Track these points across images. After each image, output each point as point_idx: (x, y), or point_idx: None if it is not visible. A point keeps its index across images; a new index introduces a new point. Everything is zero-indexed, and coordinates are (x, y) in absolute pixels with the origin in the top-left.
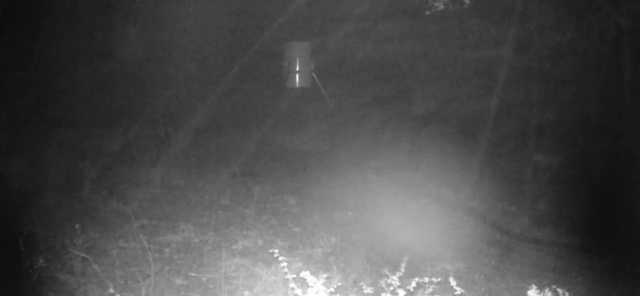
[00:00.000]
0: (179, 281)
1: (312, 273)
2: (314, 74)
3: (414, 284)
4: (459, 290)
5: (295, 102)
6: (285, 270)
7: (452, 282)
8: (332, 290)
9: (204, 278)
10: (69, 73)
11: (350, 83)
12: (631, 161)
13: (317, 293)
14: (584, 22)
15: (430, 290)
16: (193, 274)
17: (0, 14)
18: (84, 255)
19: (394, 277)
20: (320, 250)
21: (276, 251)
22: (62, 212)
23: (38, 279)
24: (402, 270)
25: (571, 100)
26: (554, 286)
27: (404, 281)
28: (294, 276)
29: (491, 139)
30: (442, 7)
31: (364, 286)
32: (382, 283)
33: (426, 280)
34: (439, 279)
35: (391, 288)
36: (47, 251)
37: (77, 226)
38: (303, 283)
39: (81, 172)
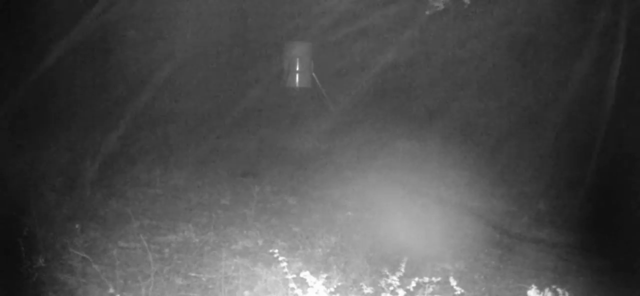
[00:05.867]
0: (179, 281)
1: (312, 273)
2: (314, 74)
3: (414, 284)
4: (459, 290)
5: (295, 102)
6: (285, 270)
7: (452, 282)
8: (332, 290)
9: (204, 278)
10: (68, 73)
11: (350, 83)
12: (631, 161)
13: (317, 293)
14: (584, 23)
15: (430, 290)
16: (193, 274)
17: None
18: (84, 255)
19: (394, 277)
20: (320, 250)
21: (276, 251)
22: (62, 212)
23: (38, 279)
24: (402, 270)
25: (571, 100)
26: (554, 286)
27: (404, 281)
28: (294, 276)
29: (491, 139)
30: (442, 7)
31: (364, 286)
32: (382, 283)
33: (426, 280)
34: (439, 279)
35: (391, 288)
36: (47, 251)
37: (77, 226)
38: (303, 283)
39: (81, 172)
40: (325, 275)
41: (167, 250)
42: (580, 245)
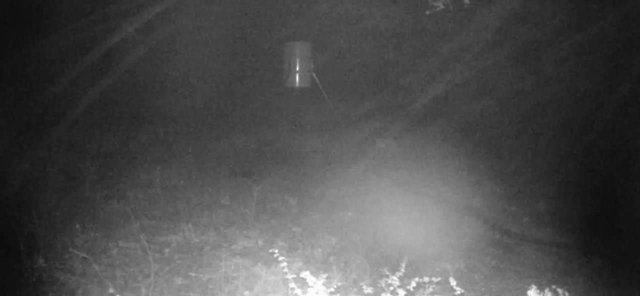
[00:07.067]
0: (179, 281)
1: (312, 273)
2: (314, 74)
3: (414, 284)
4: (459, 290)
5: (295, 102)
6: (285, 270)
7: (452, 282)
8: (332, 290)
9: (204, 278)
10: (68, 73)
11: (350, 83)
12: (631, 161)
13: (317, 293)
14: (585, 23)
15: (430, 290)
16: (193, 274)
17: None
18: (84, 255)
19: (394, 277)
20: (320, 250)
21: (276, 251)
22: (62, 212)
23: (38, 279)
24: (402, 270)
25: (571, 100)
26: (554, 286)
27: (404, 281)
28: (294, 276)
29: (491, 139)
30: (442, 7)
31: (364, 286)
32: (382, 283)
33: (426, 280)
34: (439, 279)
35: (391, 288)
36: (47, 251)
37: (77, 226)
38: (303, 283)
39: (81, 172)
40: (325, 275)
41: (167, 250)
42: (580, 245)
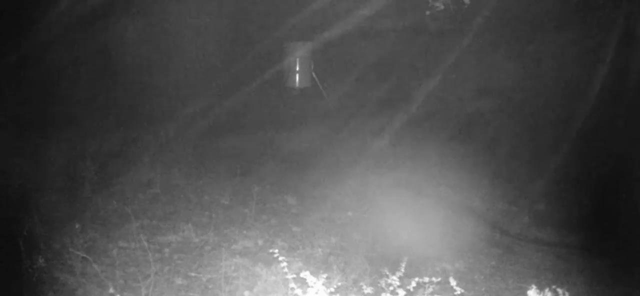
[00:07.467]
0: (179, 281)
1: (312, 273)
2: (314, 74)
3: (414, 284)
4: (459, 290)
5: (295, 102)
6: (285, 270)
7: (452, 282)
8: (332, 290)
9: (204, 278)
10: (68, 73)
11: (350, 83)
12: (631, 161)
13: (317, 293)
14: (584, 22)
15: (430, 290)
16: (193, 274)
17: None
18: (84, 255)
19: (394, 277)
20: (320, 250)
21: (276, 251)
22: (62, 212)
23: (38, 279)
24: (402, 270)
25: (571, 100)
26: (554, 286)
27: (404, 281)
28: (294, 276)
29: (491, 139)
30: (442, 6)
31: (364, 286)
32: (382, 283)
33: (426, 280)
34: (439, 279)
35: (391, 288)
36: (47, 251)
37: (77, 226)
38: (303, 283)
39: (81, 172)
40: (325, 275)
41: (167, 250)
42: (580, 245)
